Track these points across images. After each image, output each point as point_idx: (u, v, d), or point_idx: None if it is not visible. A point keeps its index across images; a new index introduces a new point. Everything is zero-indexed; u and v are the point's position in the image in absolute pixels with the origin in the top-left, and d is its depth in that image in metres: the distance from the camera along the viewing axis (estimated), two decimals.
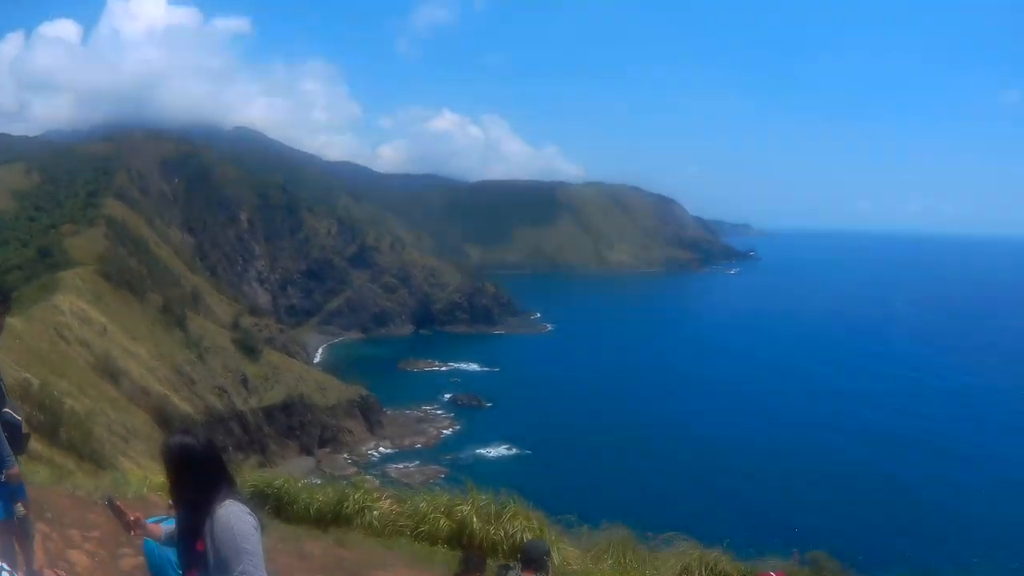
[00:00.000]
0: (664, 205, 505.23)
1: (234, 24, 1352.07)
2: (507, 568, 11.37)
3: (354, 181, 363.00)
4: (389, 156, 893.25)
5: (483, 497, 16.98)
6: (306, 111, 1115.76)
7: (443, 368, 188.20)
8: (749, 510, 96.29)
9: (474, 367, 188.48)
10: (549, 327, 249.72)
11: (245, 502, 6.89)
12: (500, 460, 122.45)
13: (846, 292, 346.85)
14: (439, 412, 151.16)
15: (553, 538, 16.36)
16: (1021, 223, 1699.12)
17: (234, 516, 6.58)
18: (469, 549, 14.25)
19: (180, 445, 6.88)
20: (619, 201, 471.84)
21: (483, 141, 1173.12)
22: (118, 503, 7.60)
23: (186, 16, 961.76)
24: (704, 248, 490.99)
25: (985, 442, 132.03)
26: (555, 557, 14.82)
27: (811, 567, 20.15)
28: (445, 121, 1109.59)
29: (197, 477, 6.83)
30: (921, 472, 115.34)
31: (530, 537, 15.74)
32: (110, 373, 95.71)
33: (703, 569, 16.82)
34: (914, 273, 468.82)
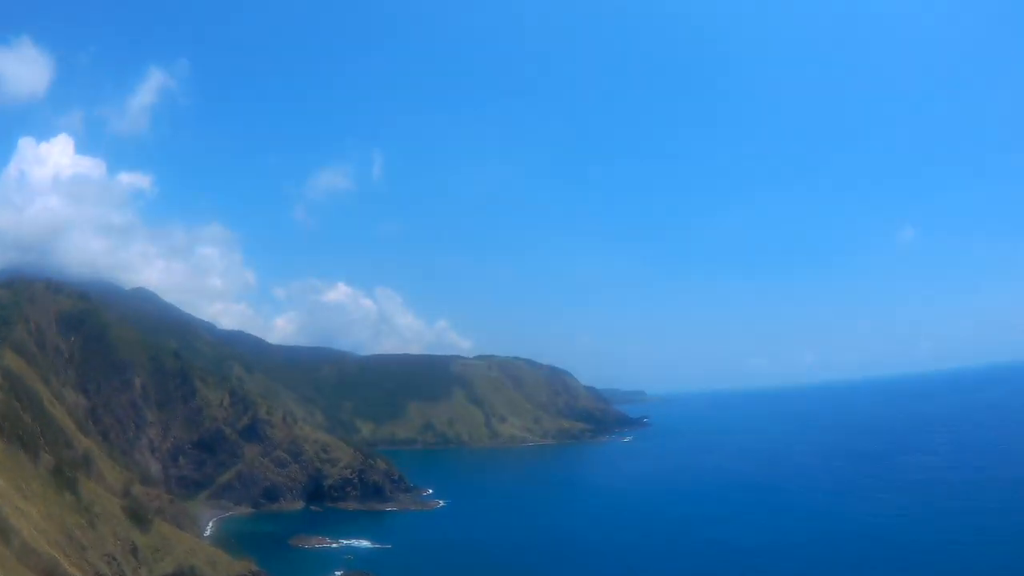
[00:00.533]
0: (556, 376, 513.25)
1: (137, 180, 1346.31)
2: None
3: (248, 351, 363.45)
4: (283, 327, 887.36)
5: None
6: (203, 276, 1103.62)
7: (334, 545, 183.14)
8: None
9: (366, 544, 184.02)
10: (441, 503, 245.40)
11: None
12: None
13: (742, 450, 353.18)
14: None
15: None
16: (919, 362, 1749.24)
17: None
18: None
19: None
20: (510, 374, 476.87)
21: (376, 314, 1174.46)
22: None
23: (92, 167, 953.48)
24: (597, 418, 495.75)
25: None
26: None
27: None
28: (339, 293, 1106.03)
29: None
30: None
31: None
32: (0, 530, 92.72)
33: None
34: (811, 424, 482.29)
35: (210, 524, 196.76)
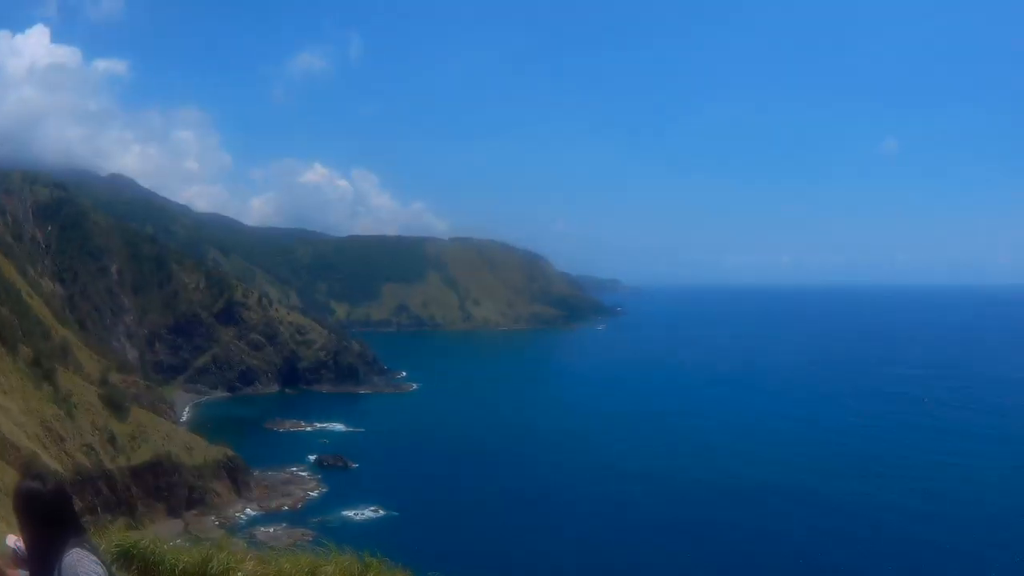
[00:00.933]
0: (532, 261, 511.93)
1: (113, 66, 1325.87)
2: None
3: (224, 234, 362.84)
4: (259, 209, 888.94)
5: (346, 558, 16.73)
6: (179, 160, 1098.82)
7: (309, 428, 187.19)
8: (619, 563, 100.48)
9: (340, 427, 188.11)
10: (415, 386, 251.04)
11: (94, 550, 7.27)
12: (367, 522, 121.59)
13: (715, 346, 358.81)
14: (305, 473, 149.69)
15: None
16: (895, 272, 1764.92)
17: (80, 564, 6.98)
18: None
19: (27, 490, 7.23)
20: (486, 257, 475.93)
21: (352, 195, 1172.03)
22: None
23: (68, 55, 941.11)
24: (571, 304, 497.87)
25: (854, 487, 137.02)
26: None
27: None
28: (315, 174, 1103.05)
29: (44, 523, 7.21)
30: (794, 523, 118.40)
31: None
32: None
33: None
34: (785, 324, 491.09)
35: (187, 409, 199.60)
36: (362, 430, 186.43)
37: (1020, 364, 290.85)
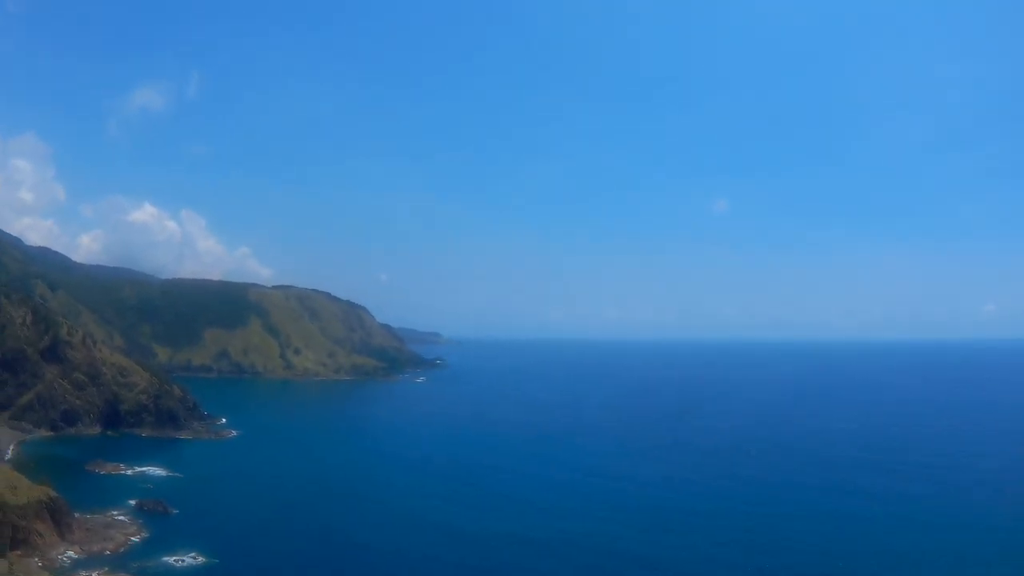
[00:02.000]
0: (353, 312, 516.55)
1: None
2: None
3: (52, 270, 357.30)
4: (88, 246, 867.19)
5: None
6: (14, 189, 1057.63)
7: (129, 472, 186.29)
8: None
9: (160, 472, 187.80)
10: (234, 433, 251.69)
11: None
12: (188, 569, 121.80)
13: (532, 400, 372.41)
14: (126, 518, 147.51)
15: None
16: (726, 326, 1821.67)
17: None
18: None
19: None
20: (308, 306, 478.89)
21: (180, 237, 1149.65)
22: None
23: None
24: (392, 356, 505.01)
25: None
26: None
27: None
28: (145, 214, 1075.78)
29: None
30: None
31: None
32: None
33: None
34: (602, 378, 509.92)
35: (11, 447, 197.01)
36: (181, 476, 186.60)
37: (843, 416, 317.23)
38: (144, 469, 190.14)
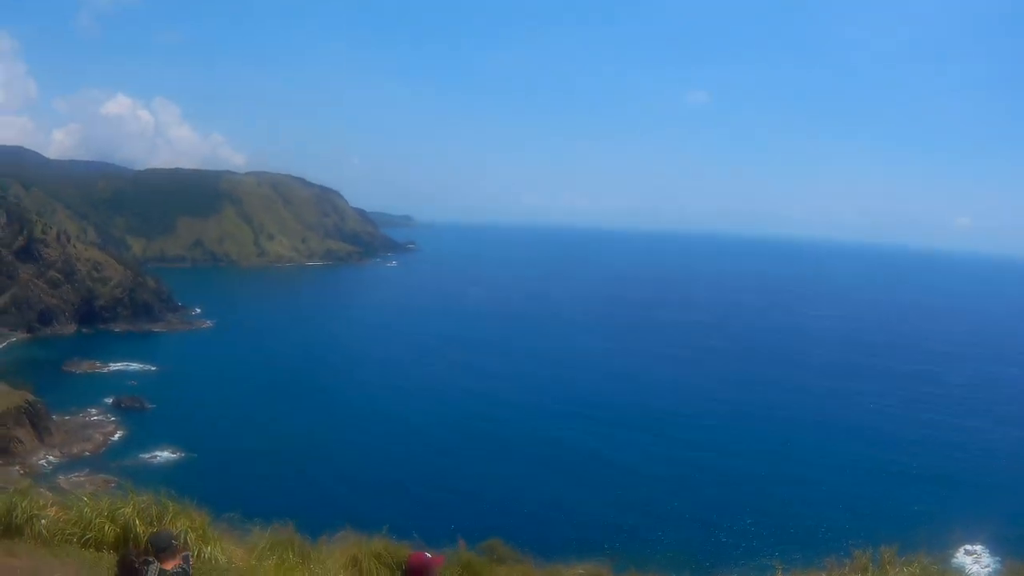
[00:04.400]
0: (326, 196, 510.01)
1: None
2: (147, 563, 11.66)
3: (25, 167, 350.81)
4: (62, 141, 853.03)
5: (144, 499, 17.54)
6: None
7: (105, 369, 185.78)
8: (418, 503, 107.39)
9: (136, 367, 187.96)
10: (209, 323, 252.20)
11: None
12: (166, 464, 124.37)
13: (504, 283, 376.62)
14: (104, 417, 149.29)
15: (217, 536, 17.64)
16: (697, 219, 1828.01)
17: None
18: (125, 552, 13.28)
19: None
20: (281, 192, 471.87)
21: (154, 127, 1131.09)
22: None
23: None
24: (364, 240, 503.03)
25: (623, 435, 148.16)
26: (212, 551, 16.92)
27: (487, 554, 22.39)
28: (118, 105, 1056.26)
29: None
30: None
31: (193, 536, 16.72)
32: None
33: (369, 558, 18.54)
34: (576, 266, 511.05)
35: None
36: (155, 369, 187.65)
37: (817, 313, 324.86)
38: (120, 365, 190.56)
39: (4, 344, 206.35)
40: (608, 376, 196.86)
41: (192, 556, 13.31)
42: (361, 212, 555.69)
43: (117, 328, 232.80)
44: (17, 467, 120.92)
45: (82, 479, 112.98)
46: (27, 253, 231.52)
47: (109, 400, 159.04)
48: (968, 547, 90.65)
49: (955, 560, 67.34)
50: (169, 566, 11.58)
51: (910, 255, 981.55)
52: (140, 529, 16.66)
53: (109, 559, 15.74)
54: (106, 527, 17.19)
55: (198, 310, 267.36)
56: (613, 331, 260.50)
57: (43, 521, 17.53)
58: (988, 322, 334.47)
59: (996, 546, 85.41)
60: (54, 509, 18.26)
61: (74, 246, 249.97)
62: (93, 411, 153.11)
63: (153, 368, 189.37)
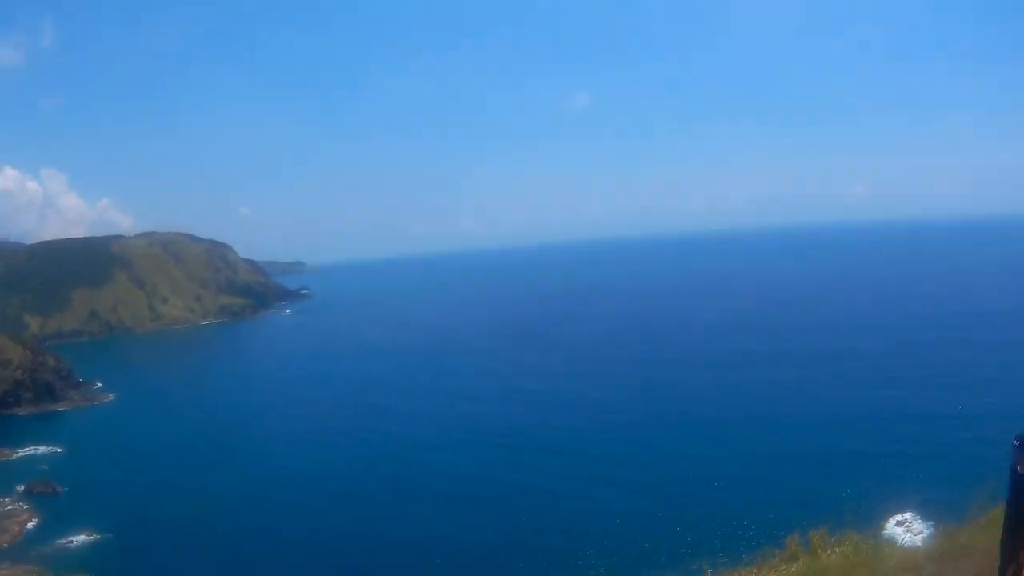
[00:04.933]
0: (216, 250, 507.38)
1: None
2: None
3: None
4: None
5: None
6: None
7: (14, 456, 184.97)
8: (336, 553, 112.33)
9: (44, 450, 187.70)
10: (111, 396, 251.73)
11: None
12: (84, 547, 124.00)
13: (402, 318, 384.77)
14: (17, 505, 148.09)
15: None
16: (594, 225, 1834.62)
17: None
18: None
19: None
20: (172, 251, 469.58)
21: (42, 197, 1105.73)
22: None
23: None
24: (258, 292, 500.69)
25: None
26: None
27: None
28: (5, 179, 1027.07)
29: None
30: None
31: None
32: None
33: None
34: (474, 291, 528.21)
35: None
36: (63, 450, 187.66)
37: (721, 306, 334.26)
38: (28, 450, 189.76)
39: None
40: (512, 401, 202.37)
41: None
42: (252, 263, 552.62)
43: (21, 412, 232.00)
44: None
45: (4, 573, 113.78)
46: None
47: (20, 487, 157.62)
48: (899, 517, 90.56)
49: (886, 532, 66.86)
50: None
51: (814, 233, 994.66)
52: None
53: None
54: None
55: (99, 384, 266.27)
56: (516, 354, 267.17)
57: None
58: (893, 289, 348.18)
59: (926, 512, 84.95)
60: None
61: None
62: (6, 500, 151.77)
63: (60, 449, 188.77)
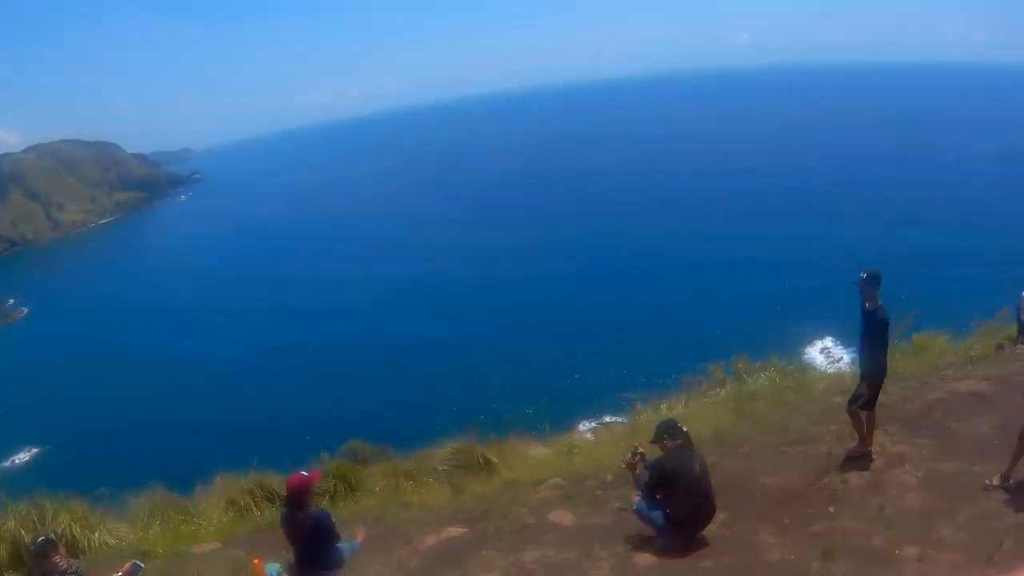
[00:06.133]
0: (104, 150, 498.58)
1: None
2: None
3: None
4: None
5: (23, 507, 16.96)
6: None
7: None
8: (268, 433, 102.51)
9: None
10: (25, 311, 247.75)
11: None
12: (28, 465, 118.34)
13: (298, 191, 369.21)
14: None
15: (99, 520, 17.30)
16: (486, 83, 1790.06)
17: None
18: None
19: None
20: (61, 159, 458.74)
21: None
22: None
23: None
24: (150, 184, 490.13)
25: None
26: (100, 535, 16.88)
27: (350, 456, 22.76)
28: None
29: None
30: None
31: (78, 528, 16.55)
32: None
33: (243, 495, 18.89)
34: (366, 154, 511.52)
35: None
36: None
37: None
38: None
39: None
40: (420, 259, 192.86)
41: (141, 565, 12.82)
42: (141, 156, 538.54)
43: None
44: None
45: None
46: None
47: None
48: (819, 344, 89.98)
49: (807, 357, 63.96)
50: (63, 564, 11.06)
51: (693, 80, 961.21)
52: (28, 539, 15.20)
53: None
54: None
55: (11, 300, 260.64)
56: (414, 216, 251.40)
57: None
58: (773, 132, 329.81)
59: (845, 338, 79.90)
60: None
61: None
62: None
63: None
